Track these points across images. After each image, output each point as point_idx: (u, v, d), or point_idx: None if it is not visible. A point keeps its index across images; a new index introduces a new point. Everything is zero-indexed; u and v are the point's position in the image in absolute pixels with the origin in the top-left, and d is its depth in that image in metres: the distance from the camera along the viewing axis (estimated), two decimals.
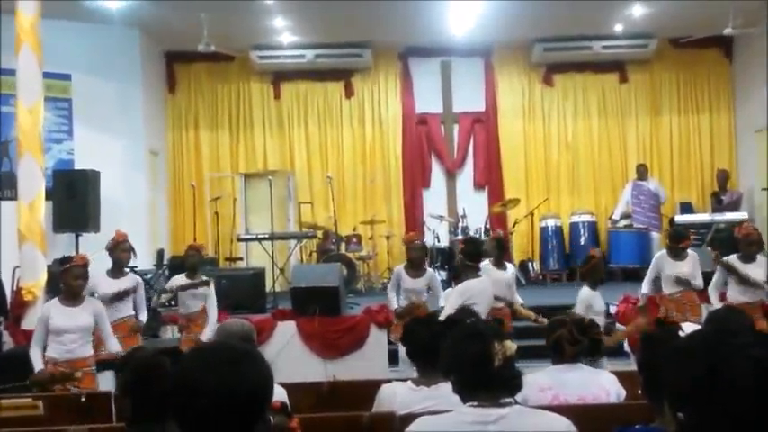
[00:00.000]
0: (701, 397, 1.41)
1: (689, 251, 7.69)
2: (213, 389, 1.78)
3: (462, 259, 7.33)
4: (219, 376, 1.79)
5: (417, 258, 7.88)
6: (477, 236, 12.24)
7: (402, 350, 7.67)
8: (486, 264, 7.91)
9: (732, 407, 1.37)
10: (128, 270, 7.25)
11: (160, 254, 11.98)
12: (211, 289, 7.60)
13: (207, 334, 7.17)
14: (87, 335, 6.07)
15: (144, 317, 7.17)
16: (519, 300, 7.90)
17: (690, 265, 7.57)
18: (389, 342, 8.50)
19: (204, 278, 7.62)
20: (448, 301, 6.91)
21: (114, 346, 6.24)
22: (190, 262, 7.74)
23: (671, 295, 7.63)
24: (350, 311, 9.49)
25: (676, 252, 7.65)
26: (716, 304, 7.27)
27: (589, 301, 6.85)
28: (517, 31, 12.73)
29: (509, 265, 8.13)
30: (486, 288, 6.86)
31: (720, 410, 1.38)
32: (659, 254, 7.91)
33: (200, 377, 1.80)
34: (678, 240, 7.72)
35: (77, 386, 5.80)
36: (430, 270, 8.02)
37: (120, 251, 7.02)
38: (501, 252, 8.05)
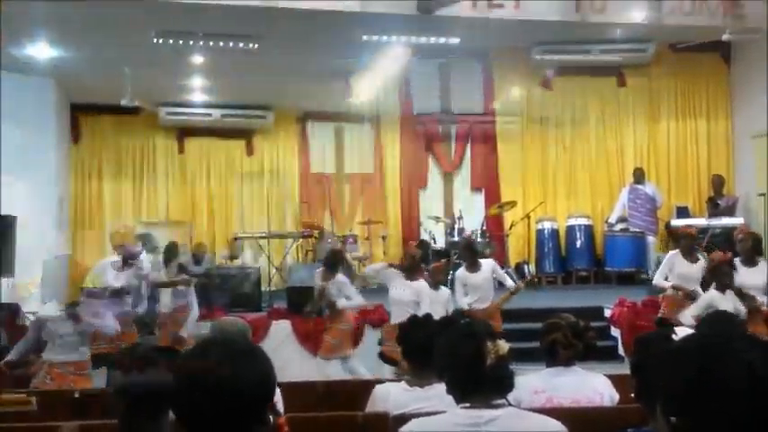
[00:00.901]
0: (693, 399, 1.41)
1: (761, 260, 7.34)
2: (213, 385, 1.78)
3: (415, 261, 7.71)
4: (219, 372, 1.79)
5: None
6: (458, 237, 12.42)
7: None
8: (461, 270, 8.08)
9: (724, 409, 1.37)
10: (134, 262, 7.38)
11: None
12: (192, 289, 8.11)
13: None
14: (83, 337, 6.09)
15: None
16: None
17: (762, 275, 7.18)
18: (378, 342, 8.50)
19: (185, 277, 7.89)
20: (424, 304, 7.21)
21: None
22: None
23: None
24: None
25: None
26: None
27: (712, 303, 6.58)
28: (516, 34, 12.68)
29: (484, 263, 8.18)
30: (431, 292, 7.61)
31: (713, 413, 1.38)
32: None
33: (200, 373, 1.80)
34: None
35: (73, 386, 5.83)
36: (339, 275, 8.26)
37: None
38: (471, 255, 8.10)
